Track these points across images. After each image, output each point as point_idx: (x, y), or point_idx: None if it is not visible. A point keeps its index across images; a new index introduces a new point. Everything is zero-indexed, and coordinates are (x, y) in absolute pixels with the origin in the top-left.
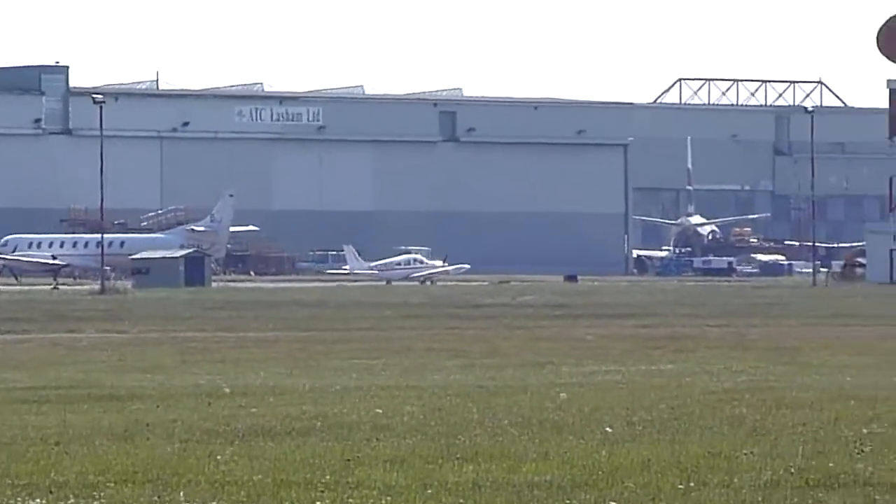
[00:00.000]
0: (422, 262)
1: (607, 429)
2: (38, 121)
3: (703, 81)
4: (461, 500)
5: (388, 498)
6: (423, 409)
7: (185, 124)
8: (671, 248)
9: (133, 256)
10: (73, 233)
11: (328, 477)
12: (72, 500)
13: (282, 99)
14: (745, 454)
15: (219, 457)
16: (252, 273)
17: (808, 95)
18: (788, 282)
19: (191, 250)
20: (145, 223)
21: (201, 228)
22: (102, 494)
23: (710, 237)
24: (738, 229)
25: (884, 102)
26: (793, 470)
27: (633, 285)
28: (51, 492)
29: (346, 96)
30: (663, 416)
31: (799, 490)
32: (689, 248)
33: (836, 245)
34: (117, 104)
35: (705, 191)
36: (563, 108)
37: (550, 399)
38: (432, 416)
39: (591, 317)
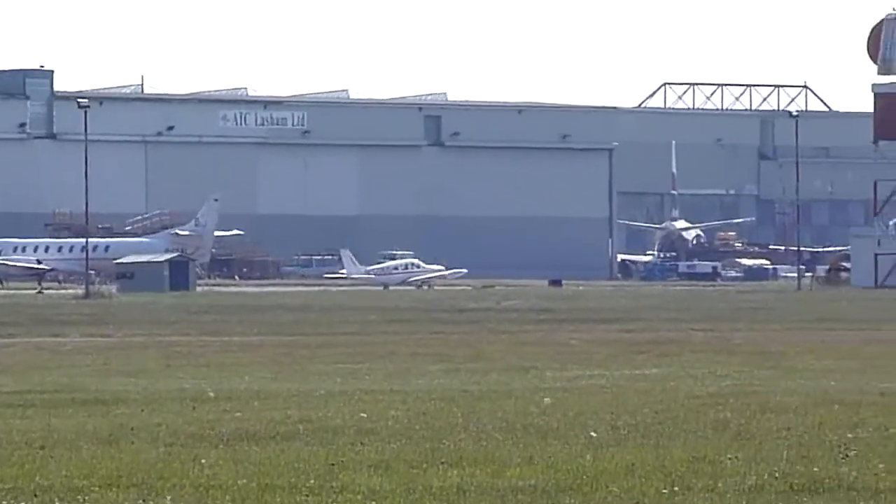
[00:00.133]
0: (418, 266)
1: (592, 433)
2: (22, 125)
3: (688, 86)
4: None
5: (373, 502)
6: (407, 413)
7: (170, 128)
8: (656, 252)
9: (118, 261)
10: (58, 237)
11: (312, 481)
12: None
13: (266, 103)
14: (730, 459)
15: (203, 461)
16: (237, 277)
17: (792, 100)
18: (773, 286)
19: (175, 254)
20: (130, 227)
21: (186, 232)
22: (87, 498)
23: (694, 241)
24: (722, 234)
25: (869, 107)
26: (777, 474)
27: (617, 290)
28: (35, 495)
29: (331, 101)
30: (647, 421)
31: (783, 494)
32: (673, 253)
33: (820, 249)
34: (102, 108)
35: (690, 195)
36: (548, 113)
37: (535, 404)
38: (417, 421)
39: (575, 321)
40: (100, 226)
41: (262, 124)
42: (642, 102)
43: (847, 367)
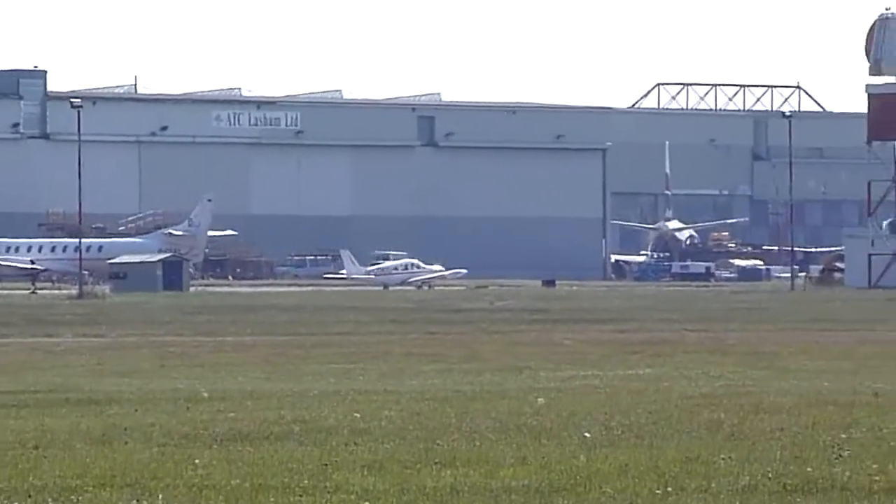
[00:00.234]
0: (418, 266)
1: (585, 434)
2: (16, 125)
3: (682, 86)
4: None
5: (366, 502)
6: (401, 413)
7: (164, 129)
8: (649, 252)
9: (111, 261)
10: (52, 237)
11: (306, 481)
12: None
13: (260, 103)
14: (723, 459)
15: (197, 461)
16: (230, 277)
17: (786, 100)
18: (766, 286)
19: (169, 255)
20: (123, 227)
21: (179, 233)
22: (81, 498)
23: (688, 242)
24: (716, 234)
25: (862, 107)
26: (770, 475)
27: (611, 290)
28: (29, 496)
29: (325, 101)
30: (641, 421)
31: (777, 495)
32: (667, 253)
33: (814, 250)
34: (95, 108)
35: (683, 195)
36: (542, 113)
37: (528, 404)
38: (410, 421)
39: (569, 321)
40: (93, 226)
41: (256, 124)
42: (636, 103)
43: (840, 367)
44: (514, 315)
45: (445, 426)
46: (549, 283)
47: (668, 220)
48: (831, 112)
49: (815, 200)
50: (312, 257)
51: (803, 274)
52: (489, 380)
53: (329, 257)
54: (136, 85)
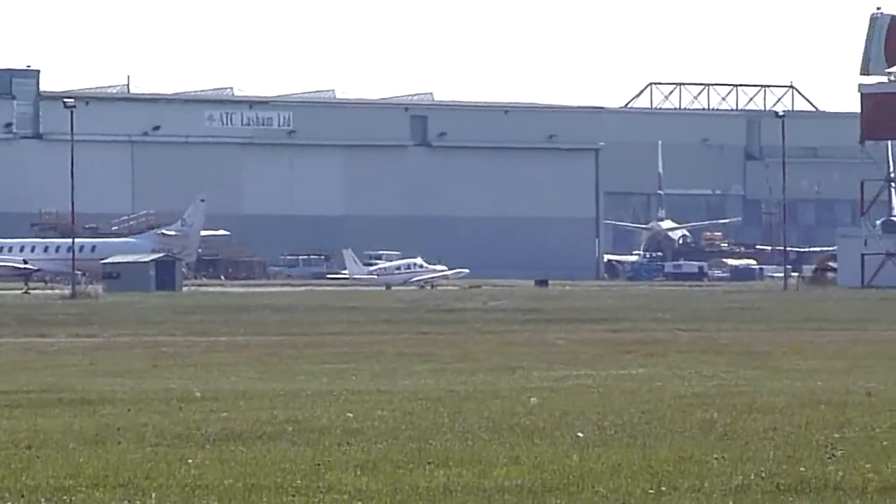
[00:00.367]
0: (421, 266)
1: (578, 433)
2: (8, 125)
3: (674, 86)
4: None
5: (359, 502)
6: (393, 413)
7: (156, 128)
8: (642, 252)
9: (104, 261)
10: (44, 237)
11: (299, 481)
12: None
13: (252, 103)
14: (716, 459)
15: (190, 461)
16: (223, 277)
17: (779, 100)
18: (759, 286)
19: (162, 254)
20: (116, 227)
21: (172, 233)
22: (74, 498)
23: (680, 241)
24: (708, 234)
25: (855, 107)
26: (763, 474)
27: (603, 290)
28: (22, 496)
29: (317, 101)
30: (634, 421)
31: (770, 494)
32: (659, 253)
33: (807, 249)
34: (88, 108)
35: (676, 195)
36: (534, 113)
37: (521, 404)
38: (403, 421)
39: (562, 321)
40: (86, 226)
41: (248, 124)
42: (629, 102)
43: (833, 367)
44: (507, 315)
45: (438, 426)
46: (542, 282)
47: (661, 219)
48: (824, 112)
49: (808, 200)
50: (305, 257)
51: (796, 273)
52: (482, 380)
53: (322, 257)
54: (128, 85)
